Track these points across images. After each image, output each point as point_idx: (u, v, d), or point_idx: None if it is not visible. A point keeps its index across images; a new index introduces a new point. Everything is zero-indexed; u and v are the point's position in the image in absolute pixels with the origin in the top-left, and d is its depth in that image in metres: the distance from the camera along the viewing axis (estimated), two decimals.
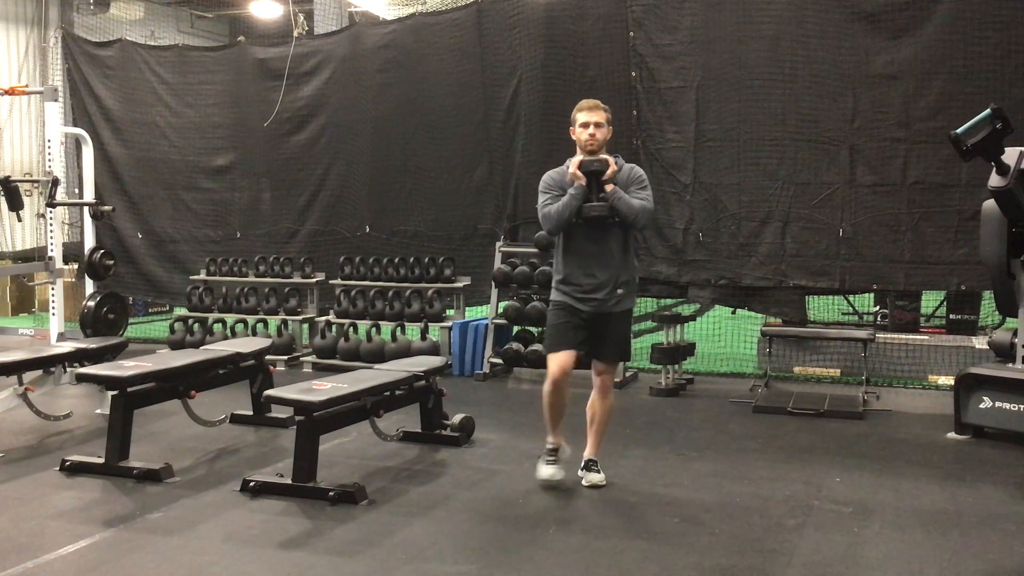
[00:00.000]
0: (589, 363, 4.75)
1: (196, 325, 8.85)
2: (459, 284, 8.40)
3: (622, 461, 5.23)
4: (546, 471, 4.73)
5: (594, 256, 4.61)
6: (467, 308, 8.63)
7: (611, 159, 4.56)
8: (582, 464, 4.80)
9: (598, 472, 4.76)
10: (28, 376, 5.92)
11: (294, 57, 9.36)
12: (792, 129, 7.51)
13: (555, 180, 4.66)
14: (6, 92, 8.93)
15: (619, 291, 4.61)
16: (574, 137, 4.66)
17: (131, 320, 9.63)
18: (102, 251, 8.47)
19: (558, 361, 4.59)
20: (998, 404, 5.58)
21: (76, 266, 10.12)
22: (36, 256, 9.68)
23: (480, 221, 8.74)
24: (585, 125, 4.60)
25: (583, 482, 4.73)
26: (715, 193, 7.75)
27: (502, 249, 8.26)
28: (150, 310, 11.84)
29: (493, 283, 8.09)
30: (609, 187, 4.52)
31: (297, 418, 4.67)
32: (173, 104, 10.01)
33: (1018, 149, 5.39)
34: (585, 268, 4.60)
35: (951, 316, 8.01)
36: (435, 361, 5.86)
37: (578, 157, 4.61)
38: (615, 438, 5.73)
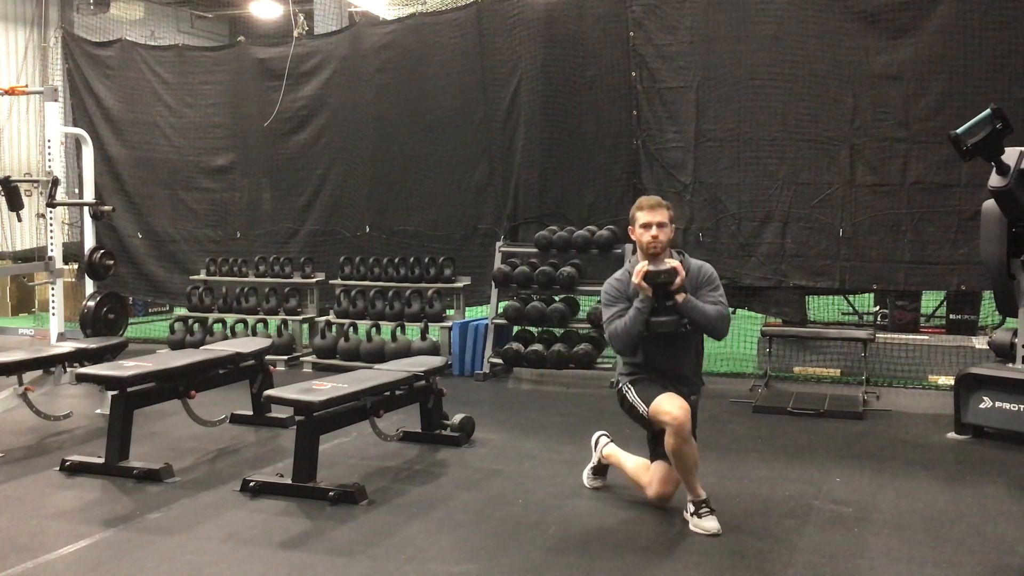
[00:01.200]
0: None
1: (196, 325, 8.85)
2: (459, 284, 8.40)
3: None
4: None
5: (667, 367, 4.29)
6: (467, 308, 8.63)
7: (678, 264, 4.12)
8: (691, 510, 4.20)
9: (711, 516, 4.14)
10: (28, 376, 5.92)
11: (294, 57, 9.36)
12: (792, 129, 7.51)
13: (618, 291, 4.29)
14: (6, 92, 8.92)
15: (693, 398, 4.32)
16: (633, 236, 4.29)
17: (131, 320, 9.62)
18: (102, 251, 8.47)
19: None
20: (998, 404, 5.58)
21: (76, 266, 10.12)
22: (36, 256, 9.68)
23: (480, 221, 8.74)
24: (647, 226, 4.19)
25: (692, 527, 4.15)
26: (715, 193, 7.75)
27: (502, 249, 8.26)
28: (150, 310, 11.83)
29: (493, 283, 8.09)
30: (680, 296, 4.10)
31: (297, 418, 4.67)
32: (173, 104, 10.01)
33: (1018, 149, 5.39)
34: (664, 382, 4.26)
35: (951, 316, 8.00)
36: (435, 361, 5.86)
37: (641, 264, 4.13)
38: (615, 438, 5.73)
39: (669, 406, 4.06)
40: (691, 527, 4.09)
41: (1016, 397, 5.50)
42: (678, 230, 7.82)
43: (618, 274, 4.39)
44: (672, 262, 4.14)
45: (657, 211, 4.21)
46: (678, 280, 4.08)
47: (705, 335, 4.35)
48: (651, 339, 4.22)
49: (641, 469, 4.45)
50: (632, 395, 4.28)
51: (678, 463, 4.12)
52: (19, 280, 12.00)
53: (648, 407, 4.16)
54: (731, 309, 8.52)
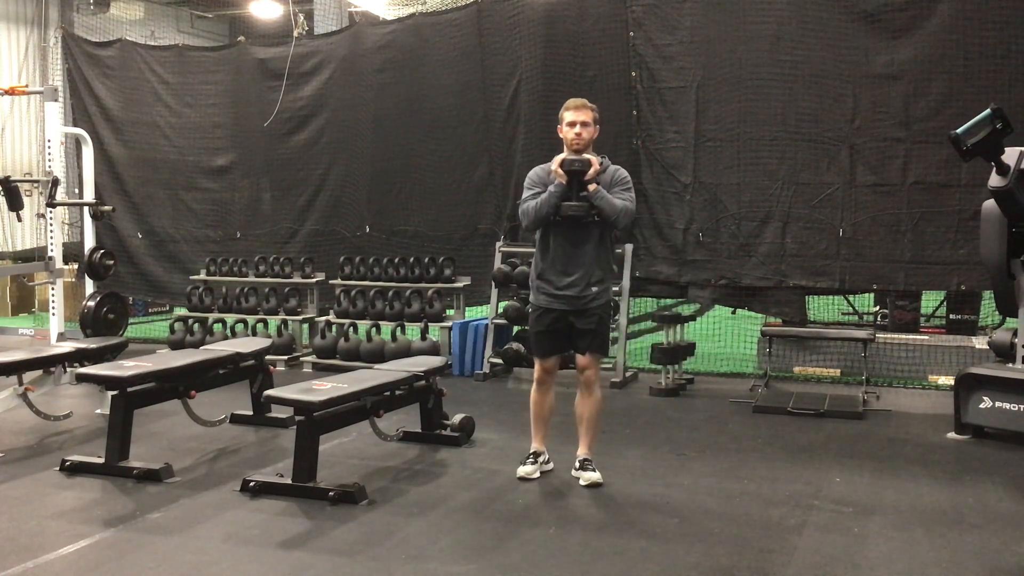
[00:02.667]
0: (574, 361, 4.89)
1: (196, 325, 8.85)
2: (459, 284, 8.40)
3: (622, 461, 5.24)
4: (523, 469, 4.85)
5: (570, 254, 4.66)
6: (467, 308, 8.63)
7: (595, 159, 4.58)
8: (576, 464, 4.83)
9: (593, 471, 4.78)
10: (28, 376, 5.92)
11: (294, 57, 9.36)
12: (792, 129, 7.52)
13: (540, 177, 4.70)
14: (6, 92, 8.92)
15: (593, 288, 4.67)
16: (560, 135, 4.70)
17: (131, 320, 9.62)
18: (102, 251, 8.47)
19: (540, 365, 4.85)
20: (998, 404, 5.58)
21: (76, 266, 10.12)
22: (36, 256, 9.67)
23: (480, 221, 8.74)
24: (572, 124, 4.63)
25: (580, 482, 4.75)
26: (715, 193, 7.75)
27: (502, 249, 8.25)
28: (150, 310, 11.83)
29: (493, 283, 8.09)
30: (592, 187, 4.54)
31: (297, 418, 4.67)
32: (173, 104, 10.01)
33: (1018, 149, 5.39)
34: (560, 266, 4.67)
35: (951, 316, 8.01)
36: (435, 361, 5.86)
37: (563, 155, 4.64)
38: (615, 438, 5.74)
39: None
40: (580, 482, 4.71)
41: (1016, 397, 5.50)
42: (678, 229, 7.84)
43: (543, 164, 4.78)
44: (590, 156, 4.57)
45: (581, 111, 4.64)
46: (591, 171, 4.52)
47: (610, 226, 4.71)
48: (559, 225, 4.64)
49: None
50: (529, 323, 4.97)
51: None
52: (19, 280, 11.99)
53: (532, 354, 4.98)
54: (731, 309, 8.61)
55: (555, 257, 4.69)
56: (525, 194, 4.71)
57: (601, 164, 4.61)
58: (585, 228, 4.63)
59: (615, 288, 7.63)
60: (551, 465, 4.96)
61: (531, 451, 4.95)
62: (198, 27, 16.56)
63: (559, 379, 7.60)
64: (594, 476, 4.74)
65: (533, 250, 7.78)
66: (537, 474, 4.84)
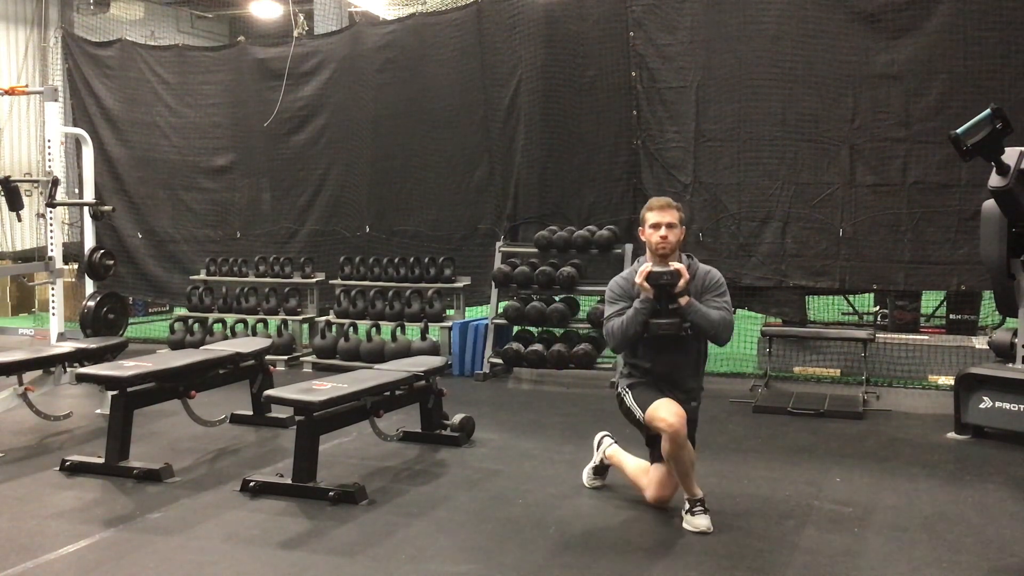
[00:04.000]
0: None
1: (196, 325, 8.85)
2: (459, 284, 8.40)
3: None
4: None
5: (670, 373, 4.26)
6: (467, 308, 8.63)
7: (683, 267, 4.12)
8: (685, 508, 4.21)
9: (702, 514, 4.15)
10: (28, 376, 5.92)
11: (294, 57, 9.36)
12: (792, 129, 7.52)
13: (623, 289, 4.26)
14: (6, 92, 8.93)
15: (693, 404, 4.33)
16: (643, 238, 4.26)
17: (131, 320, 9.63)
18: (102, 251, 8.47)
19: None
20: (998, 404, 5.58)
21: (76, 266, 10.12)
22: (36, 256, 9.68)
23: (480, 221, 8.74)
24: (656, 226, 4.17)
25: (684, 525, 4.17)
26: (715, 193, 7.75)
27: (502, 249, 8.25)
28: (150, 310, 11.83)
29: (493, 283, 8.09)
30: (684, 300, 4.09)
31: (297, 418, 4.67)
32: (173, 104, 10.01)
33: (1018, 149, 5.39)
34: (662, 387, 4.26)
35: (951, 316, 8.01)
36: (435, 361, 5.86)
37: (646, 264, 4.15)
38: (617, 439, 5.73)
39: (665, 412, 4.06)
40: (684, 524, 4.12)
41: (1016, 397, 5.50)
42: None
43: (625, 273, 4.39)
44: (678, 265, 4.13)
45: (667, 212, 4.19)
46: (681, 282, 4.07)
47: (708, 341, 4.34)
48: (652, 342, 4.21)
49: (641, 471, 4.46)
50: (630, 399, 4.29)
51: (675, 467, 4.14)
52: (19, 280, 11.99)
53: (644, 412, 4.17)
54: (732, 310, 8.59)
55: (655, 376, 4.27)
56: (608, 310, 4.28)
57: (689, 269, 4.17)
58: (681, 343, 4.21)
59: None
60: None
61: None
62: (198, 27, 16.56)
63: (558, 379, 7.66)
64: (703, 523, 4.11)
65: (533, 250, 7.93)
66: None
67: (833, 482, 4.83)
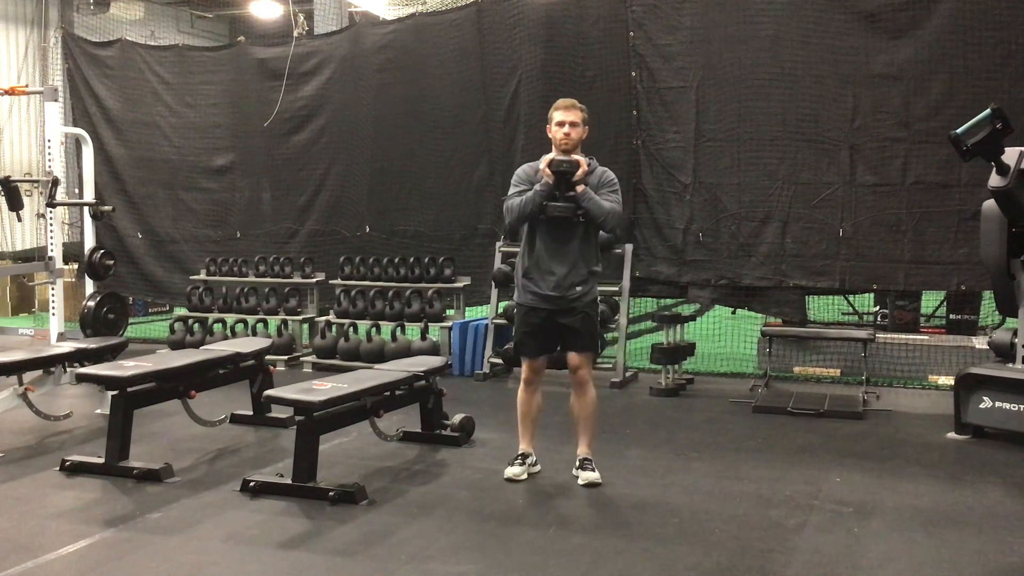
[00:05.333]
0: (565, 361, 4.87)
1: (196, 325, 8.85)
2: (459, 284, 8.40)
3: (622, 461, 5.23)
4: (511, 470, 4.81)
5: (554, 253, 4.64)
6: (467, 308, 8.63)
7: (583, 160, 4.56)
8: (576, 463, 4.82)
9: (593, 470, 4.76)
10: (28, 376, 5.91)
11: (294, 57, 9.36)
12: (792, 129, 7.52)
13: (527, 175, 4.70)
14: (6, 92, 8.92)
15: (578, 288, 4.66)
16: (550, 135, 4.70)
17: (131, 320, 9.62)
18: (102, 251, 8.45)
19: (527, 364, 4.86)
20: (998, 404, 5.58)
21: (76, 266, 10.12)
22: (36, 256, 9.68)
23: (480, 221, 8.73)
24: (560, 124, 4.62)
25: (579, 481, 4.74)
26: (715, 193, 7.75)
27: (502, 249, 8.25)
28: (150, 310, 11.83)
29: (493, 283, 8.08)
30: (580, 188, 4.52)
31: (297, 418, 4.67)
32: (173, 104, 10.01)
33: (1018, 149, 5.39)
34: (545, 265, 4.65)
35: (951, 316, 8.01)
36: (435, 361, 5.86)
37: (551, 154, 4.63)
38: (615, 438, 5.74)
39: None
40: (579, 481, 4.68)
41: (1016, 397, 5.50)
42: (678, 229, 7.83)
43: (531, 163, 4.78)
44: (579, 157, 4.56)
45: (571, 111, 4.63)
46: (580, 172, 4.51)
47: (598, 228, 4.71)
48: (544, 225, 4.62)
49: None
50: (515, 322, 4.96)
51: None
52: (19, 280, 11.99)
53: (516, 353, 4.97)
54: (731, 309, 8.61)
55: (540, 256, 4.68)
56: (511, 191, 4.72)
57: (589, 165, 4.60)
58: (571, 228, 4.62)
59: (615, 288, 7.65)
60: (538, 467, 4.94)
61: (519, 452, 4.93)
62: (198, 27, 16.56)
63: (557, 379, 7.63)
64: (593, 476, 4.73)
65: None
66: (525, 476, 4.83)
67: (833, 482, 4.83)
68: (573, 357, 4.81)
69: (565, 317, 4.70)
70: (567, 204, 4.53)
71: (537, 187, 4.56)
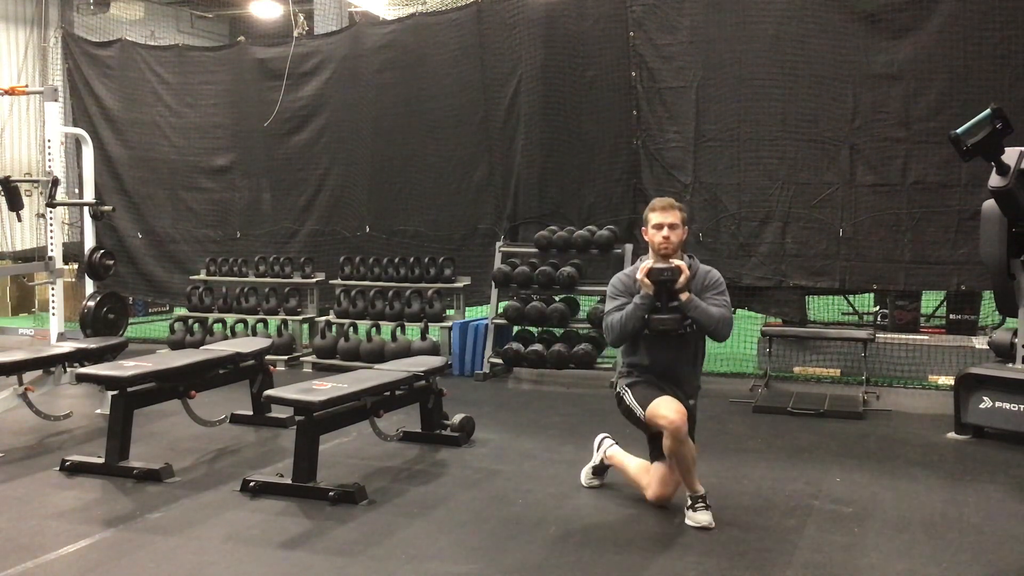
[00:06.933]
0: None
1: (196, 325, 8.85)
2: (459, 284, 8.40)
3: None
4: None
5: (668, 370, 4.29)
6: (467, 308, 8.63)
7: (684, 265, 4.16)
8: (688, 503, 4.22)
9: (707, 510, 4.17)
10: (28, 376, 5.91)
11: (294, 57, 9.36)
12: (792, 129, 7.52)
13: (624, 285, 4.30)
14: (6, 92, 8.92)
15: (691, 402, 4.35)
16: (646, 238, 4.32)
17: (131, 320, 9.62)
18: (102, 251, 8.46)
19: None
20: (998, 404, 5.58)
21: (76, 266, 10.12)
22: (36, 256, 9.67)
23: (480, 221, 8.74)
24: (659, 227, 4.22)
25: (689, 522, 4.17)
26: (715, 193, 7.75)
27: (502, 249, 8.25)
28: (150, 310, 11.83)
29: (493, 283, 8.09)
30: (684, 296, 4.12)
31: (297, 418, 4.67)
32: (173, 104, 10.02)
33: (1018, 149, 5.39)
34: (659, 383, 4.28)
35: (951, 316, 8.00)
36: (435, 361, 5.86)
37: (648, 261, 4.22)
38: (615, 438, 5.73)
39: (665, 410, 4.08)
40: (686, 520, 4.15)
41: (1016, 397, 5.50)
42: None
43: (627, 270, 4.41)
44: (679, 262, 4.17)
45: (670, 212, 4.24)
46: (682, 279, 4.10)
47: (707, 337, 4.36)
48: (652, 339, 4.24)
49: (642, 470, 4.47)
50: (629, 398, 4.30)
51: (677, 464, 4.16)
52: (19, 280, 11.99)
53: (645, 410, 4.18)
54: (732, 309, 8.59)
55: (653, 372, 4.31)
56: (608, 305, 4.30)
57: (690, 268, 4.20)
58: (680, 341, 4.25)
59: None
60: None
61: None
62: (198, 27, 16.56)
63: (557, 379, 7.66)
64: (707, 519, 4.13)
65: (534, 250, 7.92)
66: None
67: (833, 482, 4.83)
68: None
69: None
70: (672, 316, 4.15)
71: (636, 300, 4.16)
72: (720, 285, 4.31)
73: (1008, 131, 5.24)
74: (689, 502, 4.16)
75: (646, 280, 4.13)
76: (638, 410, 4.22)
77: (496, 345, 7.90)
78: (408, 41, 8.95)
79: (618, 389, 4.42)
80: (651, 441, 4.36)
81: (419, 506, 4.44)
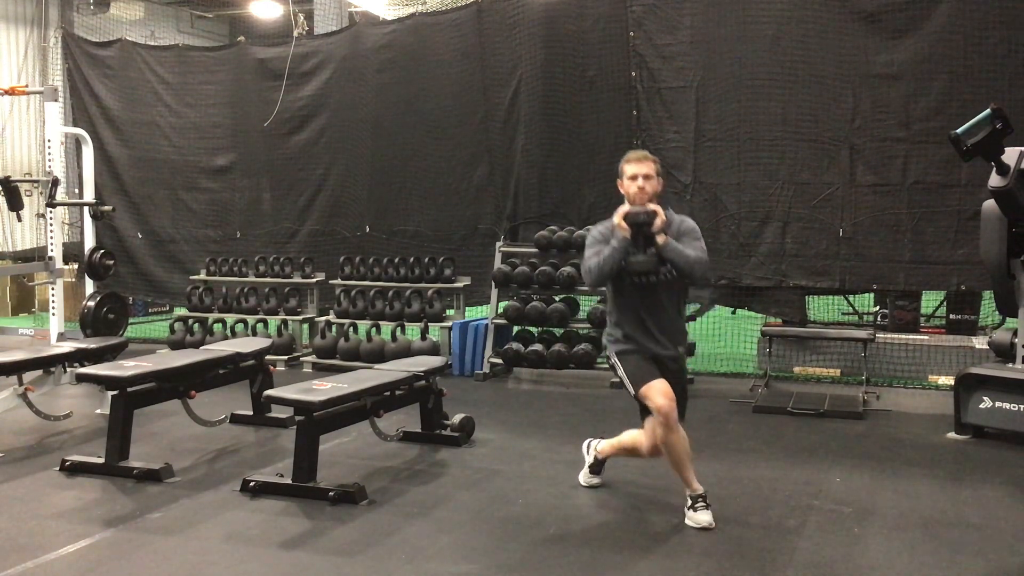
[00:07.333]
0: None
1: (196, 325, 8.85)
2: (459, 284, 8.40)
3: (622, 461, 5.22)
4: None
5: (652, 316, 4.24)
6: (467, 308, 8.63)
7: (659, 209, 4.17)
8: (688, 503, 4.25)
9: (707, 509, 4.20)
10: (28, 376, 5.92)
11: (294, 57, 9.36)
12: (792, 129, 7.52)
13: (602, 234, 4.33)
14: (6, 92, 8.92)
15: (680, 349, 4.31)
16: (622, 190, 4.35)
17: (131, 320, 9.63)
18: (102, 251, 8.47)
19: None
20: (998, 404, 5.58)
21: (76, 266, 10.12)
22: (36, 256, 9.67)
23: (480, 221, 8.74)
24: (633, 177, 4.26)
25: (689, 522, 4.19)
26: (715, 193, 7.75)
27: (502, 249, 8.25)
28: (150, 310, 11.84)
29: (493, 283, 8.09)
30: (660, 238, 4.11)
31: (297, 418, 4.67)
32: (173, 104, 10.02)
33: (1018, 149, 5.39)
34: (646, 329, 4.24)
35: (951, 316, 8.01)
36: (435, 361, 5.86)
37: (624, 207, 4.27)
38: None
39: (655, 394, 4.08)
40: (687, 520, 4.15)
41: (1016, 397, 5.50)
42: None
43: (604, 221, 4.43)
44: (655, 206, 4.19)
45: (644, 163, 4.28)
46: (658, 222, 4.11)
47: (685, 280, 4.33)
48: (632, 288, 4.24)
49: (634, 434, 4.48)
50: (621, 371, 4.30)
51: (668, 454, 4.16)
52: (19, 280, 11.99)
53: (636, 390, 4.18)
54: (731, 309, 8.61)
55: (637, 320, 4.25)
56: (587, 252, 4.31)
57: (666, 214, 4.20)
58: (660, 287, 4.21)
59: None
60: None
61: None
62: (198, 27, 16.56)
63: (557, 379, 7.66)
64: (707, 519, 4.16)
65: (533, 250, 7.92)
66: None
67: (833, 482, 4.83)
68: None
69: (672, 374, 4.26)
70: (649, 258, 4.13)
71: (614, 243, 4.17)
72: (695, 232, 4.30)
73: (1008, 131, 5.24)
74: (689, 502, 4.17)
75: (623, 223, 4.16)
76: (630, 387, 4.23)
77: (496, 345, 7.90)
78: (408, 41, 8.95)
79: (610, 356, 4.41)
80: (643, 409, 4.33)
81: (419, 506, 4.44)
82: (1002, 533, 4.05)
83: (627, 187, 4.31)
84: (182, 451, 5.46)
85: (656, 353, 4.22)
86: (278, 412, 5.91)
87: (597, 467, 4.75)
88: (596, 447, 4.73)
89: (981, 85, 6.89)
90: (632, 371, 4.24)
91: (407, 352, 7.64)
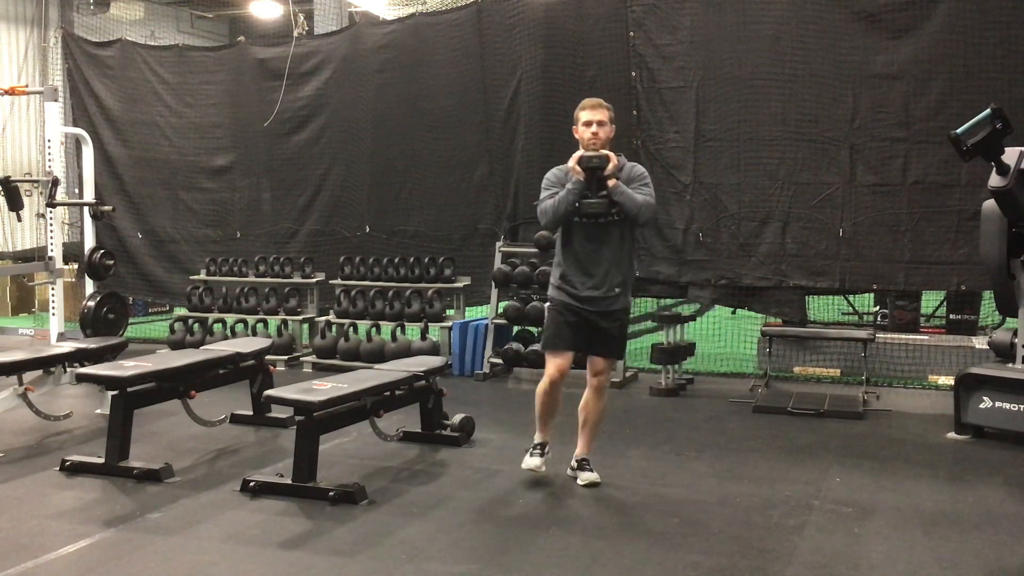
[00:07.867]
0: (584, 361, 4.76)
1: (196, 325, 8.85)
2: (459, 284, 8.40)
3: (622, 461, 5.23)
4: (531, 461, 4.77)
5: (592, 254, 4.55)
6: (467, 308, 8.63)
7: (612, 154, 4.48)
8: (574, 464, 4.83)
9: (591, 471, 4.77)
10: (28, 376, 5.92)
11: (294, 57, 9.36)
12: (792, 129, 7.51)
13: (557, 177, 4.60)
14: (6, 92, 8.91)
15: (616, 289, 4.59)
16: (577, 136, 4.61)
17: (131, 320, 9.62)
18: (102, 251, 8.46)
19: (556, 363, 4.62)
20: (998, 404, 5.58)
21: (76, 266, 10.12)
22: (36, 256, 9.66)
23: (480, 221, 8.74)
24: (587, 124, 4.54)
25: (578, 481, 4.75)
26: (715, 193, 7.75)
27: (502, 249, 8.26)
28: (150, 310, 11.84)
29: (493, 283, 8.09)
30: (612, 182, 4.43)
31: (297, 418, 4.67)
32: (173, 104, 10.02)
33: (1018, 149, 5.39)
34: (582, 267, 4.57)
35: (951, 316, 8.01)
36: (435, 361, 5.86)
37: (579, 152, 4.53)
38: (615, 438, 5.74)
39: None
40: (577, 481, 4.73)
41: (1016, 397, 5.50)
42: (678, 229, 7.83)
43: (560, 165, 4.66)
44: (608, 153, 4.47)
45: (597, 110, 4.55)
46: (610, 167, 4.42)
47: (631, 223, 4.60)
48: (579, 225, 4.54)
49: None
50: (546, 319, 4.73)
51: (585, 411, 4.80)
52: (19, 280, 11.99)
53: (543, 349, 4.75)
54: (731, 309, 8.61)
55: (576, 258, 4.58)
56: (543, 194, 4.59)
57: (618, 160, 4.51)
58: (607, 227, 4.52)
59: None
60: (549, 448, 4.90)
61: (537, 442, 4.84)
62: (198, 27, 16.56)
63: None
64: (593, 476, 4.74)
65: (533, 250, 7.92)
66: (544, 468, 4.80)
67: (833, 482, 4.83)
68: (599, 362, 4.68)
69: (599, 320, 4.60)
70: (601, 200, 4.43)
71: (568, 186, 4.46)
72: (645, 178, 4.60)
73: (1008, 131, 5.24)
74: (575, 464, 4.76)
75: (577, 167, 4.43)
76: (540, 344, 4.76)
77: (496, 345, 7.91)
78: (408, 41, 8.95)
79: (549, 296, 4.74)
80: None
81: (419, 506, 4.45)
82: (1002, 533, 4.05)
83: (581, 133, 4.58)
84: (182, 451, 5.46)
85: (586, 296, 4.55)
86: (278, 412, 5.91)
87: (541, 445, 4.86)
88: (534, 438, 4.91)
89: (981, 85, 6.88)
90: (549, 332, 4.69)
91: (407, 352, 7.64)
